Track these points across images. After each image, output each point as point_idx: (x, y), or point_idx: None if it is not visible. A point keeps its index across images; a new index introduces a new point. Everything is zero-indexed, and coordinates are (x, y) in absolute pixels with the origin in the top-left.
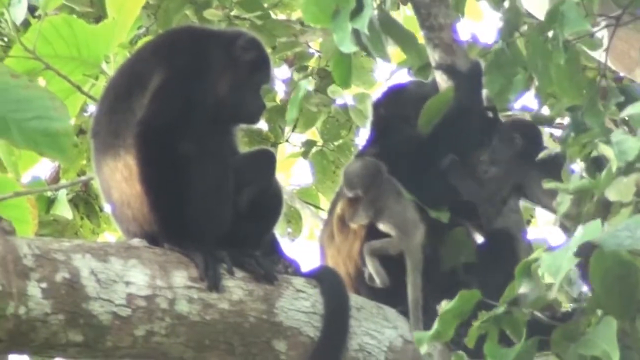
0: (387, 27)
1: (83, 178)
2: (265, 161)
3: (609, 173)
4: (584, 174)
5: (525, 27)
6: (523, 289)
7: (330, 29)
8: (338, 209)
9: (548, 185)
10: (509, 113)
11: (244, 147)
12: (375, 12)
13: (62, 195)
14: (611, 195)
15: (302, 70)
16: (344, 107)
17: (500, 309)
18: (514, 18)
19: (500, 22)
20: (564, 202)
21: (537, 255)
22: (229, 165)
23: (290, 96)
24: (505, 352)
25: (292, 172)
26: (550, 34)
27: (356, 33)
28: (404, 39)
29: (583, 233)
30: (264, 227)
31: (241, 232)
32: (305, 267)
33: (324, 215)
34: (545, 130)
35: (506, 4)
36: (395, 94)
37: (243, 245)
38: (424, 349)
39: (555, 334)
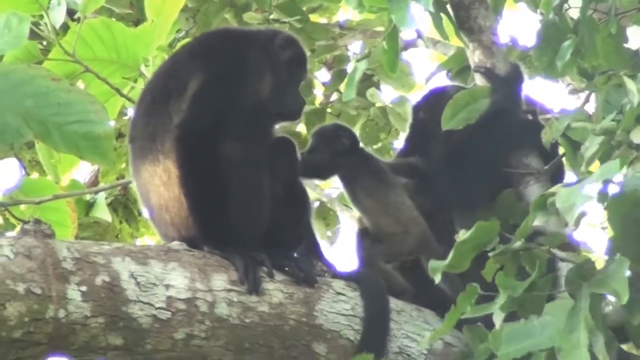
0: (439, 7)
1: (122, 181)
2: (286, 150)
3: (632, 109)
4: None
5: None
6: (537, 221)
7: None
8: None
9: (576, 124)
10: None
11: None
12: None
13: (101, 198)
14: (636, 138)
15: (341, 75)
16: (383, 110)
17: (518, 243)
18: None
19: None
20: (592, 145)
21: (554, 189)
22: (266, 165)
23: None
24: (517, 284)
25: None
26: (597, 6)
27: None
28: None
29: (601, 171)
30: (298, 217)
31: (276, 226)
32: (343, 270)
33: None
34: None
35: None
36: (435, 97)
37: (280, 241)
38: (438, 279)
39: (570, 272)
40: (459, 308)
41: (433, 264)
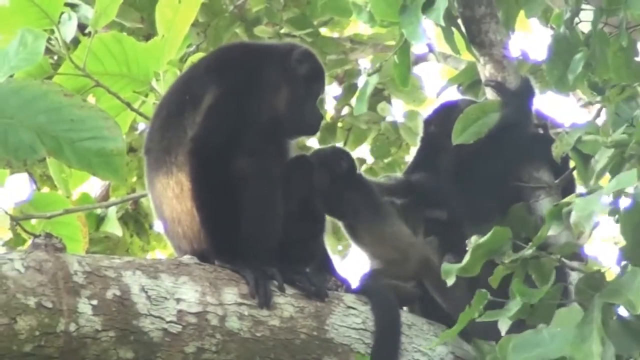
0: (450, 21)
1: (133, 195)
2: (303, 169)
3: None
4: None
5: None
6: (552, 231)
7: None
8: None
9: (587, 137)
10: None
11: None
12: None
13: (112, 212)
14: None
15: (352, 89)
16: (394, 125)
17: (529, 251)
18: (574, 4)
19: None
20: (602, 158)
21: (569, 199)
22: (280, 181)
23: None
24: (533, 291)
25: None
26: (608, 20)
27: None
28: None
29: (617, 182)
30: (312, 233)
31: (290, 241)
32: (355, 284)
33: None
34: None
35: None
36: (446, 111)
37: (293, 256)
38: (451, 281)
39: (580, 281)
40: (469, 313)
41: (446, 266)
